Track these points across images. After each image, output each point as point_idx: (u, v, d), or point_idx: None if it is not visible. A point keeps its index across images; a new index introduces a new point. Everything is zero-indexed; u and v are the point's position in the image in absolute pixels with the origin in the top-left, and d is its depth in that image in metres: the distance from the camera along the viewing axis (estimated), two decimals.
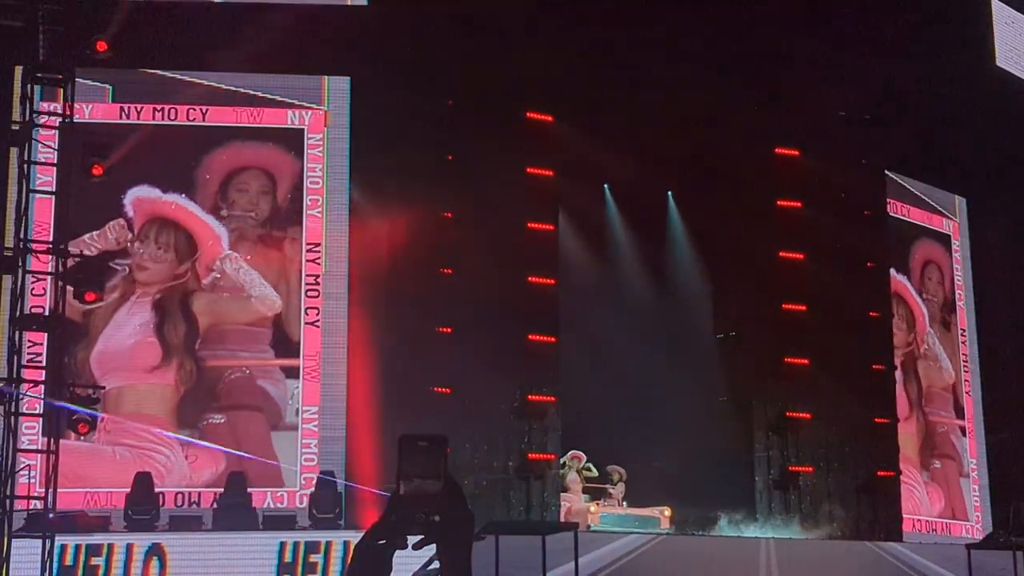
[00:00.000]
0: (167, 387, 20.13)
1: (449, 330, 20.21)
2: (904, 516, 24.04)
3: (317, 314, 20.49)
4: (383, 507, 5.77)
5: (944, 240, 26.70)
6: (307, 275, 20.61)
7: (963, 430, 26.17)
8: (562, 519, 21.14)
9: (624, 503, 22.06)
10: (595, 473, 22.35)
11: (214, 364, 20.30)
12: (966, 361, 26.45)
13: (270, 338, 20.45)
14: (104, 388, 18.74)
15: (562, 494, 21.80)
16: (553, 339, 21.28)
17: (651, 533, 20.64)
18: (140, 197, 20.43)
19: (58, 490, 16.94)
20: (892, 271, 25.38)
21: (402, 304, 20.12)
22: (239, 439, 20.05)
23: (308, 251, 20.69)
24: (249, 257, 20.65)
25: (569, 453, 22.16)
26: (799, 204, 23.65)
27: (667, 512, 21.50)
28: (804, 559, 20.68)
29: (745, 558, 20.25)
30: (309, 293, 20.54)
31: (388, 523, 2.63)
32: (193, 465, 19.89)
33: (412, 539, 5.55)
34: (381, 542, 2.60)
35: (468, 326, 20.09)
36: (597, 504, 21.56)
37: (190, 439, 19.81)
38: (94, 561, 16.81)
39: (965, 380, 26.36)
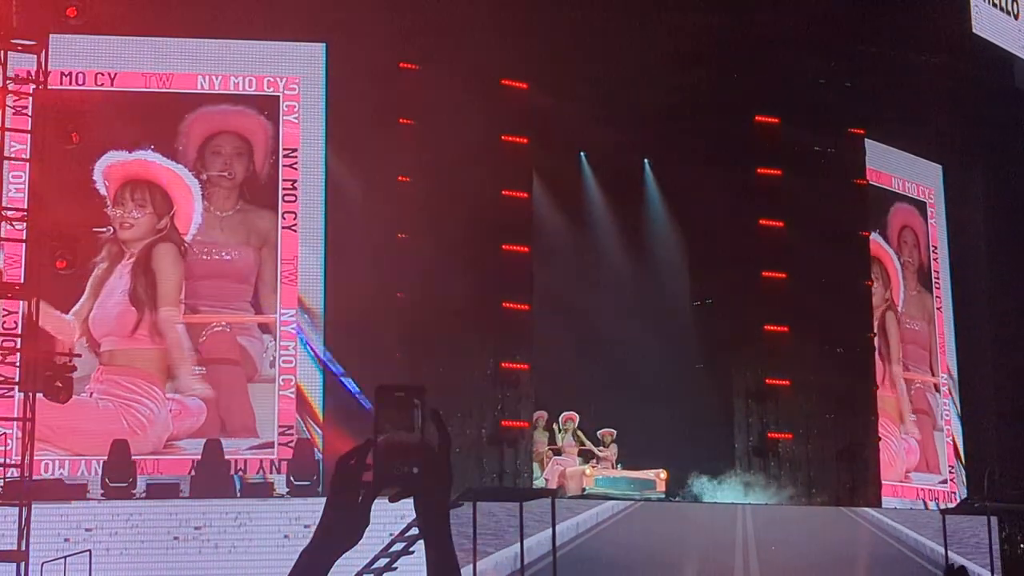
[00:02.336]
0: (153, 349, 20.19)
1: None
2: (883, 482, 24.10)
3: (295, 218, 20.66)
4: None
5: (920, 206, 26.75)
6: (284, 180, 20.71)
7: (936, 387, 26.28)
8: (556, 481, 21.17)
9: (618, 465, 22.00)
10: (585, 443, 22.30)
11: (194, 320, 20.37)
12: (942, 323, 26.57)
13: (250, 295, 20.53)
14: (80, 355, 18.70)
15: (555, 457, 21.77)
16: (527, 307, 21.26)
17: (634, 499, 20.68)
18: (110, 164, 20.41)
19: (35, 457, 16.97)
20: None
21: (376, 271, 20.12)
22: (217, 390, 20.21)
23: (285, 155, 20.84)
24: (230, 212, 20.67)
25: (563, 415, 22.09)
26: (778, 172, 23.59)
27: (663, 475, 21.40)
28: (781, 526, 20.77)
29: (722, 524, 20.34)
30: (286, 198, 20.62)
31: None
32: (175, 416, 19.91)
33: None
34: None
35: (443, 294, 20.06)
36: (592, 466, 21.51)
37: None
38: None
39: (940, 341, 26.46)
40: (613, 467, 21.95)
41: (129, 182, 20.59)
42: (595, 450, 22.07)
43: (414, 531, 15.79)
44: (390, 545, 16.69)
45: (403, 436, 2.93)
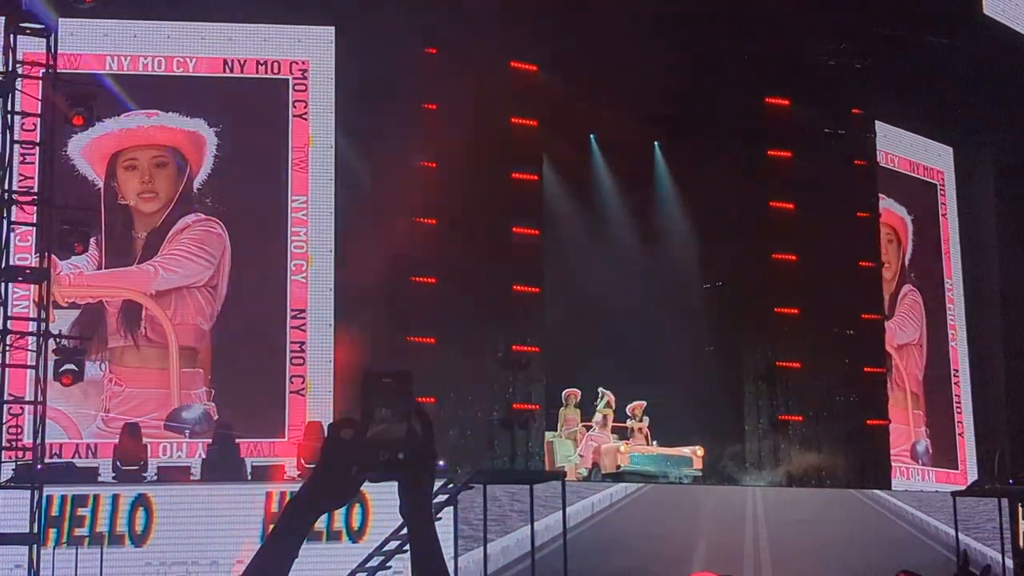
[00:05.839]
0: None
1: (434, 280, 20.21)
2: (892, 464, 24.11)
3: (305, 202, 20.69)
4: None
5: (929, 189, 26.71)
6: (294, 163, 20.75)
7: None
8: (590, 458, 21.10)
9: (654, 442, 21.82)
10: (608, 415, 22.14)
11: None
12: (952, 311, 26.50)
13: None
14: (90, 338, 18.79)
15: (589, 433, 21.63)
16: (538, 290, 21.26)
17: (670, 480, 20.67)
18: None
19: (47, 440, 17.03)
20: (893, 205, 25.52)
21: (386, 254, 20.15)
22: None
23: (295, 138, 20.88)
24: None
25: (600, 391, 21.98)
26: (788, 154, 23.57)
27: (699, 452, 21.23)
28: (792, 508, 20.79)
29: (733, 507, 20.37)
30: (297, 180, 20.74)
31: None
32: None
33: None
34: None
35: (453, 277, 20.08)
36: (626, 443, 21.33)
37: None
38: (80, 512, 16.93)
39: (951, 329, 26.39)
40: (648, 443, 21.76)
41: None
42: (628, 424, 21.83)
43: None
44: (384, 544, 16.67)
45: (392, 429, 2.96)
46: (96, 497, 17.02)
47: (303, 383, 20.19)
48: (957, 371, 26.28)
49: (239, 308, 20.37)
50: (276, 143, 20.82)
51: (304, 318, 20.38)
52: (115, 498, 17.01)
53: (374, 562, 16.68)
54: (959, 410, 26.12)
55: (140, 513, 16.96)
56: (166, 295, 20.27)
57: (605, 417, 21.73)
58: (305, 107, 20.83)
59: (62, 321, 19.01)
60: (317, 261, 20.56)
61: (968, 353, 26.35)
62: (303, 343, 20.29)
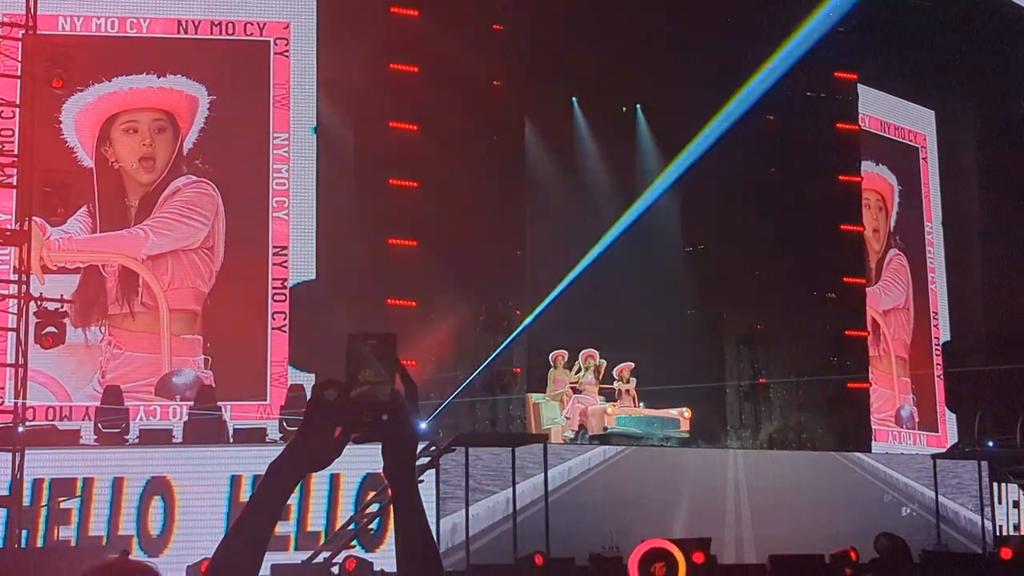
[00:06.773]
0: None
1: (415, 243, 20.18)
2: (874, 427, 24.18)
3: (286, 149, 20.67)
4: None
5: (911, 153, 26.73)
6: (275, 127, 20.71)
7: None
8: (577, 420, 21.11)
9: (641, 404, 21.85)
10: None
11: None
12: (933, 275, 26.58)
13: None
14: (72, 301, 18.74)
15: (576, 395, 21.62)
16: (519, 252, 21.25)
17: (656, 441, 20.70)
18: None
19: (27, 401, 17.02)
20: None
21: (368, 217, 20.11)
22: None
23: (276, 101, 20.79)
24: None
25: (582, 353, 21.95)
26: (770, 117, 23.54)
27: (687, 413, 21.23)
28: (772, 471, 20.87)
29: (713, 469, 20.43)
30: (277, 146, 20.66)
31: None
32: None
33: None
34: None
35: (434, 240, 20.04)
36: (613, 405, 21.34)
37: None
38: (63, 502, 16.16)
39: (932, 293, 26.46)
40: (635, 404, 21.77)
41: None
42: (616, 386, 21.79)
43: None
44: (367, 505, 16.69)
45: (375, 388, 2.95)
46: (89, 481, 15.72)
47: (284, 319, 20.17)
48: (939, 335, 26.37)
49: (234, 269, 20.28)
50: (263, 101, 20.72)
51: (286, 255, 20.33)
52: (117, 483, 15.51)
53: (356, 524, 16.72)
54: (940, 373, 26.23)
55: (155, 504, 16.02)
56: (161, 259, 20.14)
57: (593, 378, 21.74)
58: (287, 45, 20.68)
59: (59, 287, 18.85)
60: (298, 198, 20.49)
61: (949, 316, 26.44)
62: (285, 280, 20.24)
